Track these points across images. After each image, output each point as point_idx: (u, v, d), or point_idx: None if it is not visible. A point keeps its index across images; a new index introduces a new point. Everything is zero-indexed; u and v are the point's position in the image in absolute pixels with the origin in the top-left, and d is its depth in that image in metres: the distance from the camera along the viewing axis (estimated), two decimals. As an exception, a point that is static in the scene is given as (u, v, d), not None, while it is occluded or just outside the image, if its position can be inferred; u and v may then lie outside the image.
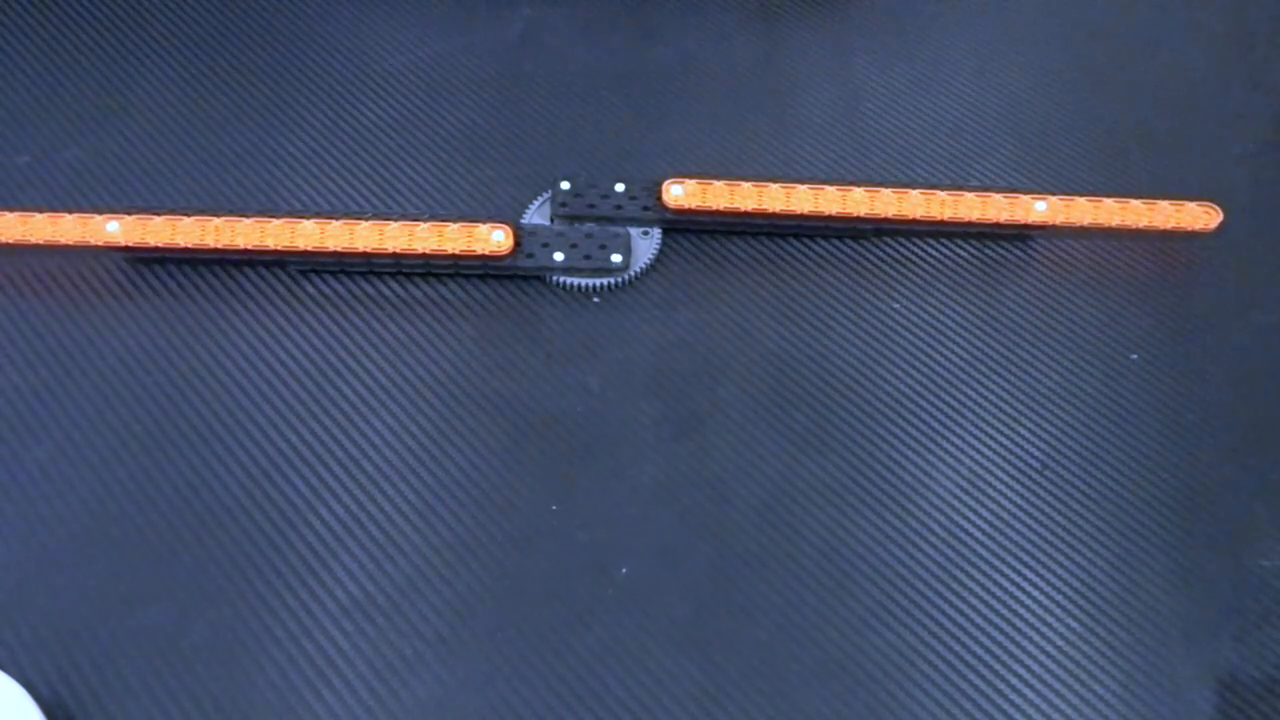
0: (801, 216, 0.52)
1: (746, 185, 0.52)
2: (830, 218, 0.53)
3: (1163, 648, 0.43)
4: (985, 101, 0.59)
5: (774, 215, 0.52)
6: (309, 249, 0.49)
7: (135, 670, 0.41)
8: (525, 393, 0.48)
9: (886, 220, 0.53)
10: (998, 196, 0.53)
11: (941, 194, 0.53)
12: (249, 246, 0.49)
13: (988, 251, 0.54)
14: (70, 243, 0.49)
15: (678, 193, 0.52)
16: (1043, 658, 0.43)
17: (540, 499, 0.46)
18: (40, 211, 0.50)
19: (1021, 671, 0.43)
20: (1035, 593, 0.44)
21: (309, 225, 0.50)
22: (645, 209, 0.52)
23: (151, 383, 0.48)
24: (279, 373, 0.48)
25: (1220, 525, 0.47)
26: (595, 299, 0.51)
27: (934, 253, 0.54)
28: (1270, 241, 0.55)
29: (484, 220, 0.50)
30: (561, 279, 0.51)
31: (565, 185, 0.53)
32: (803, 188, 0.52)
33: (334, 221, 0.50)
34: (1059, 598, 0.44)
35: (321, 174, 0.54)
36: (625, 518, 0.45)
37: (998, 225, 0.53)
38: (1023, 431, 0.49)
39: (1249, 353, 0.52)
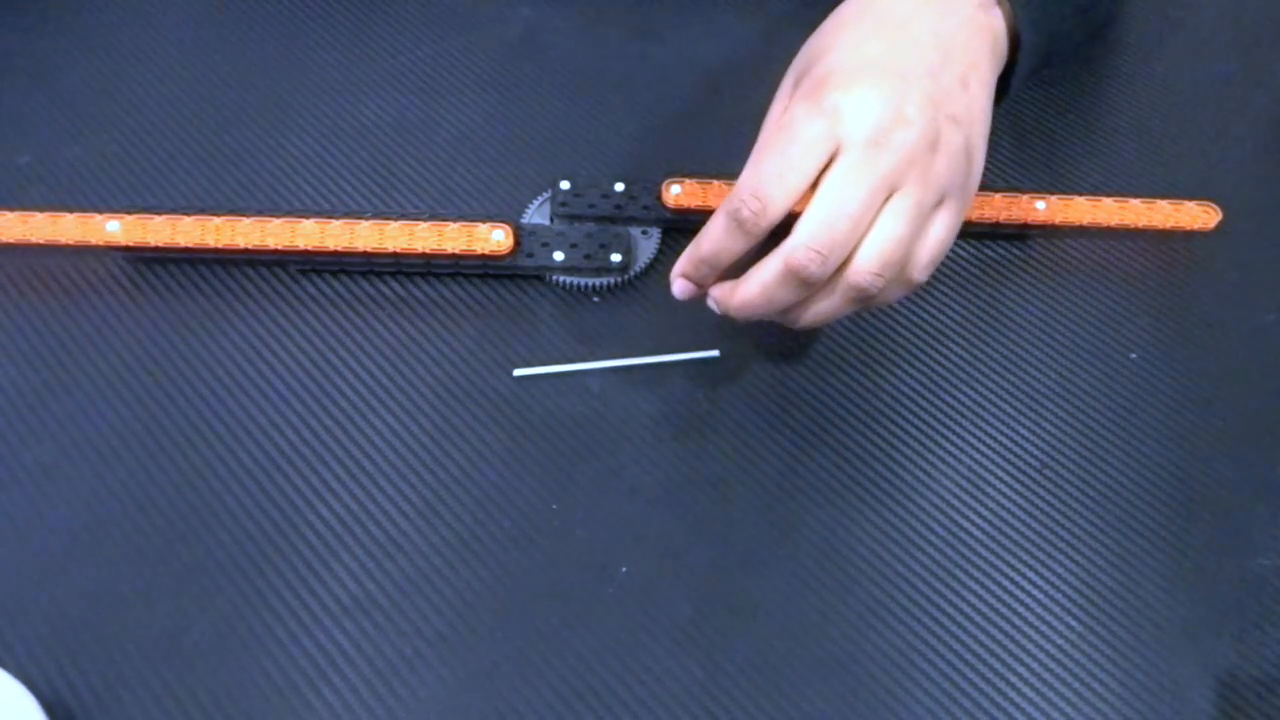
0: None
1: (746, 185, 0.52)
2: (830, 217, 0.52)
3: (1163, 647, 0.43)
4: (985, 101, 0.59)
5: (774, 215, 0.52)
6: (309, 249, 0.49)
7: (135, 669, 0.41)
8: (525, 393, 0.48)
9: (886, 220, 0.53)
10: (998, 196, 0.53)
11: (941, 194, 0.53)
12: (249, 246, 0.49)
13: (988, 251, 0.54)
14: (70, 242, 0.49)
15: (677, 192, 0.52)
16: (1042, 656, 0.43)
17: (540, 498, 0.46)
18: (40, 211, 0.50)
19: (1021, 670, 0.43)
20: (1035, 591, 0.44)
21: (309, 225, 0.50)
22: (645, 209, 0.52)
23: (152, 382, 0.48)
24: (279, 372, 0.48)
25: (1220, 525, 0.47)
26: (595, 299, 0.51)
27: (934, 252, 0.54)
28: (1269, 241, 0.55)
29: (484, 220, 0.50)
30: (561, 279, 0.51)
31: (565, 185, 0.53)
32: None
33: (334, 221, 0.50)
34: (1058, 596, 0.44)
35: (321, 174, 0.54)
36: (625, 517, 0.45)
37: (997, 225, 0.53)
38: (1022, 431, 0.49)
39: (1248, 352, 0.52)
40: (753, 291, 0.41)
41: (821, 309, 0.41)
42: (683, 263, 0.43)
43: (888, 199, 0.39)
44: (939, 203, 0.41)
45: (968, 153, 0.41)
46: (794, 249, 0.39)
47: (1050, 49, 0.48)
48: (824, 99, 0.39)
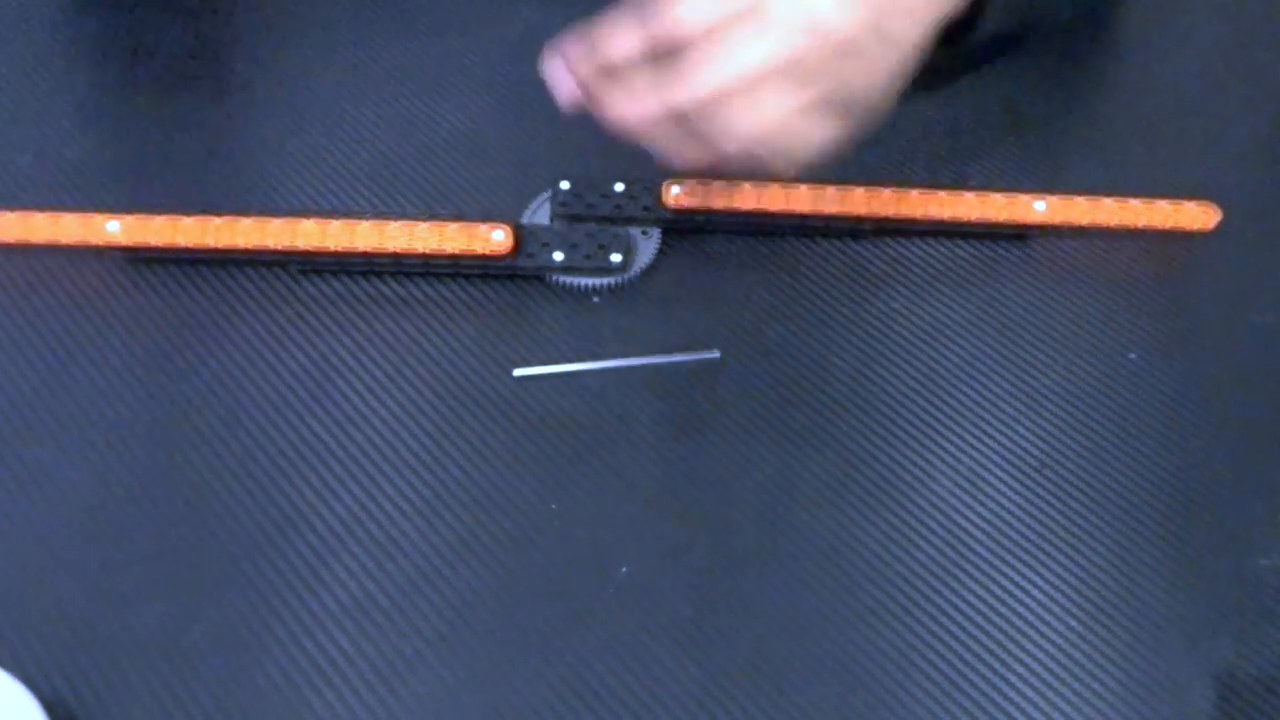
0: (801, 216, 0.52)
1: (746, 185, 0.52)
2: (830, 217, 0.53)
3: (1163, 647, 0.43)
4: (985, 101, 0.59)
5: (774, 215, 0.52)
6: (309, 249, 0.50)
7: (135, 669, 0.41)
8: (525, 393, 0.48)
9: (886, 219, 0.53)
10: (997, 196, 0.53)
11: (941, 194, 0.53)
12: (249, 246, 0.49)
13: (987, 251, 0.54)
14: (70, 242, 0.49)
15: (677, 192, 0.52)
16: (1042, 656, 0.43)
17: (540, 498, 0.46)
18: (40, 211, 0.50)
19: (1020, 670, 0.43)
20: (1034, 591, 0.44)
21: (309, 225, 0.50)
22: (645, 209, 0.52)
23: (152, 382, 0.48)
24: (279, 372, 0.48)
25: (1220, 525, 0.47)
26: (595, 299, 0.51)
27: (934, 253, 0.54)
28: (1268, 241, 0.55)
29: (484, 220, 0.50)
30: (561, 279, 0.51)
31: (565, 185, 0.53)
32: (802, 187, 0.52)
33: (334, 221, 0.50)
34: (1058, 596, 0.44)
35: (321, 174, 0.54)
36: (625, 517, 0.45)
37: (997, 225, 0.53)
38: (1021, 430, 0.49)
39: (1247, 352, 0.52)
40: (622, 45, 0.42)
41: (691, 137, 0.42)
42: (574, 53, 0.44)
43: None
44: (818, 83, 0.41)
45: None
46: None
47: (1029, 15, 0.48)
48: None
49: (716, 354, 0.49)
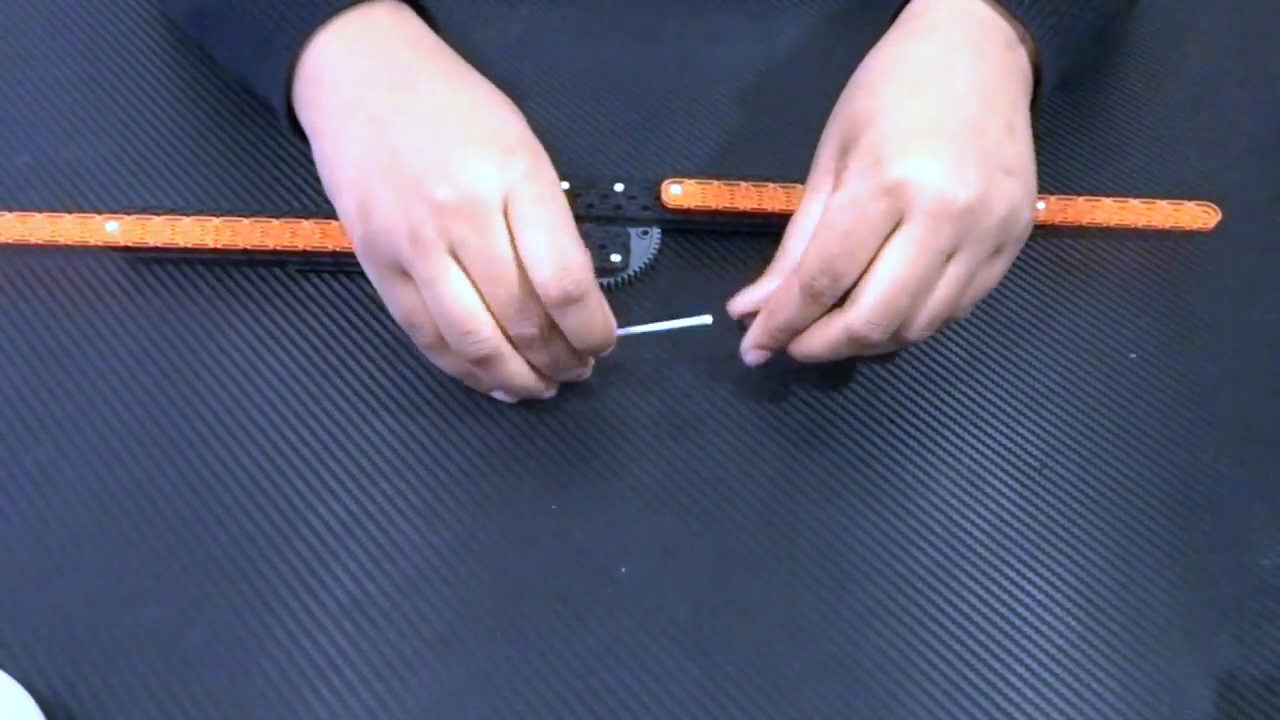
0: (801, 216, 0.52)
1: (746, 185, 0.52)
2: (830, 217, 0.52)
3: (1162, 647, 0.43)
4: (984, 101, 0.59)
5: (774, 215, 0.52)
6: (309, 249, 0.49)
7: (135, 670, 0.41)
8: (525, 392, 0.48)
9: (886, 220, 0.53)
10: (997, 196, 0.53)
11: (941, 194, 0.53)
12: (249, 246, 0.49)
13: (987, 251, 0.54)
14: (69, 243, 0.49)
15: (677, 192, 0.52)
16: (1042, 656, 0.43)
17: (540, 499, 0.46)
18: (39, 211, 0.50)
19: (1020, 670, 0.43)
20: (1034, 591, 0.44)
21: (309, 225, 0.50)
22: (645, 209, 0.52)
23: (151, 383, 0.48)
24: (278, 373, 0.48)
25: (1220, 524, 0.47)
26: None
27: (933, 252, 0.54)
28: (1268, 240, 0.55)
29: (484, 220, 0.50)
30: (561, 279, 0.51)
31: (564, 185, 0.52)
32: (802, 188, 0.52)
33: (334, 222, 0.50)
34: (1058, 596, 0.44)
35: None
36: (625, 517, 0.45)
37: (997, 225, 0.53)
38: (1021, 431, 0.49)
39: (1247, 351, 0.52)
40: (819, 347, 0.43)
41: (875, 352, 0.45)
42: (758, 336, 0.45)
43: (946, 262, 0.41)
44: (994, 253, 0.42)
45: (1023, 200, 0.42)
46: (857, 321, 0.41)
47: (1065, 80, 0.50)
48: (885, 176, 0.40)
49: (709, 319, 0.47)
